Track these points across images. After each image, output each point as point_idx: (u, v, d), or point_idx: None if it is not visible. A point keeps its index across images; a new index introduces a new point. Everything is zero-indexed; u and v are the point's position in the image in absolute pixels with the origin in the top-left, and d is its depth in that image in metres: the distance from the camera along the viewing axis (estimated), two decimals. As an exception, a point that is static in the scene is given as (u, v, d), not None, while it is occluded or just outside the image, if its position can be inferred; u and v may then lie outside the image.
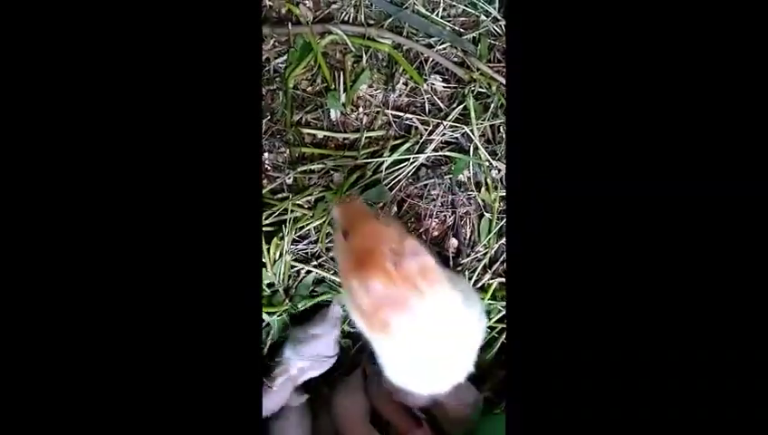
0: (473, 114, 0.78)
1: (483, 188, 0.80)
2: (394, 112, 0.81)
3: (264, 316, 0.74)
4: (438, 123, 0.80)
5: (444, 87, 0.82)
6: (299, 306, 0.76)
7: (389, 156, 0.78)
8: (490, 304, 0.77)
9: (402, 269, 0.48)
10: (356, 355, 0.78)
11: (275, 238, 0.75)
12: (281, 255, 0.75)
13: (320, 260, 0.78)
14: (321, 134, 0.80)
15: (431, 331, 0.50)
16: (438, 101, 0.81)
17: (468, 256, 0.79)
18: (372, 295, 0.47)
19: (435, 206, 0.80)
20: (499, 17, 0.82)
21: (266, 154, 0.80)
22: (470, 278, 0.78)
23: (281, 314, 0.75)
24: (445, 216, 0.81)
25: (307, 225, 0.77)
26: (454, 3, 0.83)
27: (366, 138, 0.80)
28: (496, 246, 0.79)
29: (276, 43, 0.83)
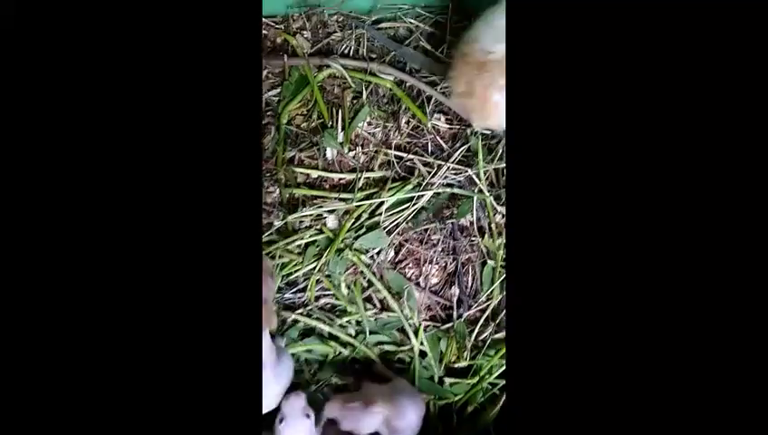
0: (480, 155, 0.74)
1: (486, 235, 0.75)
2: (395, 152, 0.76)
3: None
4: (441, 165, 0.75)
5: (449, 127, 0.77)
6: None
7: (389, 197, 0.73)
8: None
9: None
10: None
11: (262, 286, 0.69)
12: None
13: (308, 309, 0.72)
14: (315, 174, 0.75)
15: None
16: (441, 141, 0.76)
17: (470, 307, 0.73)
18: None
19: (435, 252, 0.74)
20: (506, 56, 0.78)
21: (255, 193, 0.74)
22: (471, 331, 0.72)
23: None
24: (446, 262, 0.75)
25: (295, 271, 0.71)
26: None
27: (364, 178, 0.75)
28: (501, 296, 0.73)
29: (270, 75, 0.78)
